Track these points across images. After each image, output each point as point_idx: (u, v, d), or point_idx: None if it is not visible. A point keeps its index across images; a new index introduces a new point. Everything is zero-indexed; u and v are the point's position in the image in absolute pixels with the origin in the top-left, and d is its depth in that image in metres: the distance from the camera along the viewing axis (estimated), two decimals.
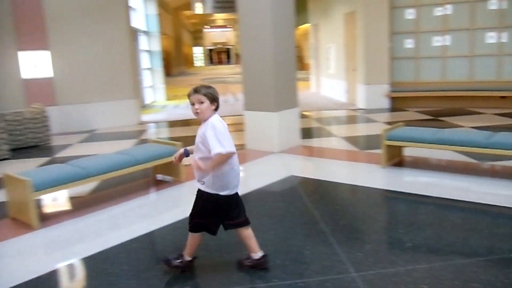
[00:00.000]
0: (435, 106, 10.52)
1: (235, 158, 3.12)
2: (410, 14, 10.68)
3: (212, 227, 3.12)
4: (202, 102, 2.96)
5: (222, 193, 3.04)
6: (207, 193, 3.04)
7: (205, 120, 3.00)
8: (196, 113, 2.98)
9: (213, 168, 2.96)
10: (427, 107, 10.50)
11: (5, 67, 9.12)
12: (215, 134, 2.92)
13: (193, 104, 2.97)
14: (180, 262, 3.19)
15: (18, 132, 7.94)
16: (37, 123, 8.21)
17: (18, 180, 4.21)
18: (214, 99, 3.01)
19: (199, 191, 3.10)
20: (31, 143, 8.15)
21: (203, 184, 3.05)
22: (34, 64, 9.43)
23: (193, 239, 3.17)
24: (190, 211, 3.16)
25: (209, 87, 3.03)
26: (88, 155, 5.66)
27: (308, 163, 6.47)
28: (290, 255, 3.35)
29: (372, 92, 10.90)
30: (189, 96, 3.00)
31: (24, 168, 6.03)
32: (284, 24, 6.77)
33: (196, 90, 2.97)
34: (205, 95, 2.96)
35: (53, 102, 9.53)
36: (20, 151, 7.86)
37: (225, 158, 2.96)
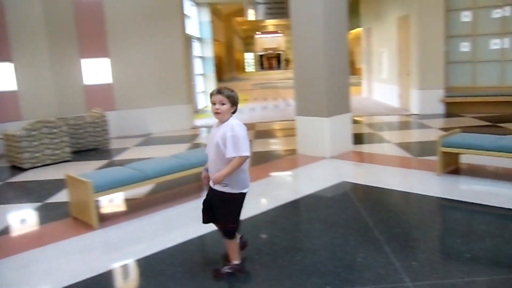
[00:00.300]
0: (493, 112, 10.11)
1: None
2: (466, 16, 10.32)
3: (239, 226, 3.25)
4: (223, 104, 3.04)
5: (244, 191, 3.15)
6: (232, 194, 3.11)
7: (223, 121, 3.08)
8: (216, 113, 3.06)
9: (230, 173, 3.01)
10: (484, 113, 10.11)
11: (69, 74, 9.64)
12: (234, 138, 2.99)
13: (214, 103, 3.06)
14: (230, 268, 3.23)
15: (79, 136, 8.33)
16: (97, 127, 8.57)
17: (80, 181, 4.41)
18: (234, 103, 3.10)
19: (221, 195, 3.11)
20: (91, 146, 8.52)
21: (226, 186, 3.08)
22: (95, 71, 9.87)
23: (233, 244, 3.25)
24: (219, 219, 3.20)
25: (232, 90, 3.13)
26: (144, 158, 5.84)
27: (360, 169, 6.40)
28: (343, 262, 3.33)
29: (426, 97, 10.62)
30: (212, 95, 3.09)
31: (85, 170, 6.31)
32: (337, 29, 6.74)
33: (219, 91, 3.07)
34: (227, 97, 3.05)
35: (112, 107, 9.93)
36: (80, 153, 8.22)
37: (242, 162, 3.02)
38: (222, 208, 3.15)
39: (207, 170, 3.26)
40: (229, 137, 2.98)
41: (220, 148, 3.04)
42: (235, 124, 3.04)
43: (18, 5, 8.89)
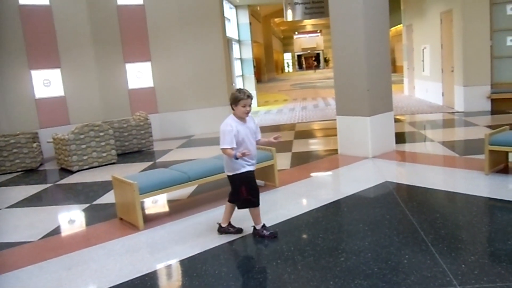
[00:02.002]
0: None
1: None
2: None
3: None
4: (250, 105, 3.79)
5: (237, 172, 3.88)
6: (229, 175, 3.98)
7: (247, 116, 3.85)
8: (247, 113, 3.78)
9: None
10: None
11: (113, 79, 9.94)
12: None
13: (245, 106, 3.73)
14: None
15: (124, 138, 8.56)
16: (141, 130, 8.78)
17: (126, 183, 4.53)
18: None
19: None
20: (135, 149, 8.75)
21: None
22: (137, 75, 10.12)
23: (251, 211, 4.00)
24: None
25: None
26: (187, 160, 5.94)
27: (403, 169, 6.28)
28: (389, 263, 3.28)
29: (471, 94, 10.30)
30: (242, 99, 3.71)
31: (130, 172, 6.48)
32: (378, 26, 6.63)
33: (250, 96, 3.76)
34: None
35: (155, 110, 10.16)
36: (125, 156, 8.45)
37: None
38: (237, 188, 3.91)
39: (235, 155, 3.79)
40: (256, 124, 4.00)
41: (258, 133, 3.99)
42: (251, 115, 3.91)
43: (65, 12, 9.24)
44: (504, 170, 5.42)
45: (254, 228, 4.01)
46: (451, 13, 10.88)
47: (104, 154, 7.68)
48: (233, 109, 3.81)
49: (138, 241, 4.23)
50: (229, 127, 3.73)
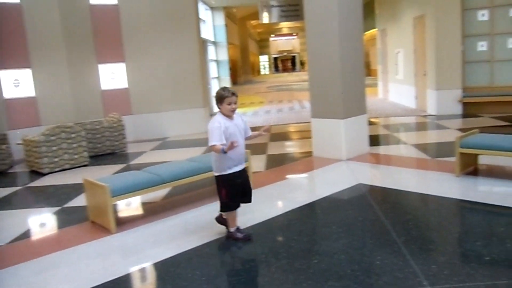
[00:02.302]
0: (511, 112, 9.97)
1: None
2: (483, 15, 10.18)
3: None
4: (236, 103, 3.78)
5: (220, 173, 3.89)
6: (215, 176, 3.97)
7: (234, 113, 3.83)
8: (233, 110, 3.77)
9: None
10: (503, 113, 9.95)
11: (86, 80, 9.78)
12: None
13: (230, 104, 3.72)
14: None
15: (96, 140, 8.42)
16: (114, 132, 8.66)
17: (98, 185, 4.46)
18: None
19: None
20: (108, 151, 8.62)
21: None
22: (111, 76, 9.99)
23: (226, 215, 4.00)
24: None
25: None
26: (161, 162, 5.88)
27: (377, 171, 6.35)
28: (361, 265, 3.31)
29: (443, 98, 10.50)
30: (227, 97, 3.71)
31: (102, 174, 6.38)
32: (352, 31, 6.70)
33: (235, 93, 3.76)
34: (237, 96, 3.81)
35: (128, 112, 10.03)
36: (98, 158, 8.32)
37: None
38: (219, 188, 3.91)
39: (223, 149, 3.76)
40: (245, 121, 3.96)
41: (247, 130, 3.98)
42: (238, 112, 3.90)
43: (36, 12, 9.05)
44: (474, 172, 5.53)
45: (228, 230, 3.99)
46: (424, 18, 11.08)
47: (76, 156, 7.54)
48: (219, 108, 3.81)
49: (111, 244, 4.17)
50: (217, 123, 3.74)
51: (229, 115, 3.80)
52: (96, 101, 9.86)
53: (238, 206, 3.95)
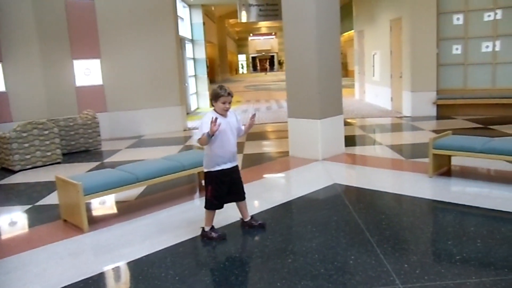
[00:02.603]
0: (484, 114, 10.18)
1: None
2: (458, 19, 10.37)
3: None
4: (230, 103, 3.82)
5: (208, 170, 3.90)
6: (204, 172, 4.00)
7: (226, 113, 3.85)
8: (226, 110, 3.80)
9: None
10: (475, 115, 10.17)
11: (60, 75, 9.60)
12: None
13: (224, 103, 3.76)
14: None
15: (70, 137, 8.27)
16: (88, 129, 8.52)
17: (70, 183, 4.38)
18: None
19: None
20: (82, 148, 8.48)
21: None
22: (86, 72, 9.82)
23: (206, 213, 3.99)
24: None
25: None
26: (136, 160, 5.81)
27: (352, 171, 6.40)
28: (335, 264, 3.32)
29: (418, 100, 10.66)
30: (222, 95, 3.74)
31: (75, 172, 6.28)
32: (329, 32, 6.74)
33: (231, 94, 3.79)
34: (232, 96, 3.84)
35: (104, 109, 9.88)
36: (71, 155, 8.18)
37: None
38: (206, 185, 3.93)
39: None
40: (239, 120, 4.00)
41: (236, 131, 3.94)
42: (232, 110, 3.96)
43: (9, 6, 8.84)
44: (447, 173, 5.63)
45: (203, 229, 3.97)
46: (400, 21, 11.23)
47: (49, 153, 7.39)
48: (212, 105, 3.82)
49: (83, 243, 4.10)
50: (207, 118, 3.71)
51: (222, 114, 3.81)
52: (70, 97, 9.68)
53: (221, 207, 3.95)
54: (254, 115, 4.05)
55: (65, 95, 9.63)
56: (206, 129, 3.65)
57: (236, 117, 3.98)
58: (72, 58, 9.66)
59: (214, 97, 3.78)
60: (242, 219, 4.17)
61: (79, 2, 9.66)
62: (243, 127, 4.06)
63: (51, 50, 9.38)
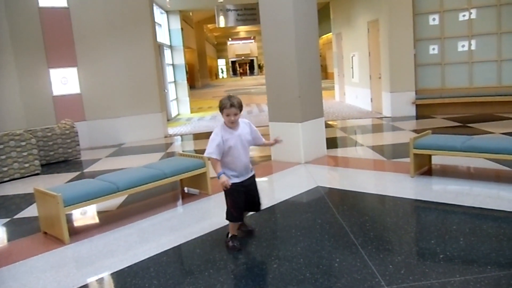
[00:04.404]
0: (462, 113, 10.33)
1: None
2: (434, 20, 10.53)
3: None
4: (236, 114, 3.63)
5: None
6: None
7: (236, 125, 3.71)
8: (232, 122, 3.64)
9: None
10: (454, 114, 10.32)
11: (36, 85, 9.41)
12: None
13: (228, 115, 3.60)
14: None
15: (48, 148, 8.13)
16: (67, 139, 8.39)
17: (49, 195, 4.28)
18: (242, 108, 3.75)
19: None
20: (61, 158, 8.33)
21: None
22: (63, 81, 9.68)
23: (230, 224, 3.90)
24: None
25: (236, 97, 3.70)
26: (117, 169, 5.73)
27: (334, 174, 6.42)
28: (320, 267, 3.31)
29: (397, 100, 10.78)
30: (225, 108, 3.59)
31: (54, 183, 6.17)
32: (307, 35, 6.77)
33: (234, 105, 3.60)
34: (239, 107, 3.66)
35: (82, 118, 9.74)
36: (50, 166, 8.04)
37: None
38: (225, 196, 3.80)
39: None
40: (254, 130, 3.86)
41: (249, 144, 3.79)
42: (247, 121, 3.87)
43: None
44: (428, 172, 5.68)
45: (227, 235, 3.93)
46: (378, 23, 11.35)
47: (27, 165, 7.25)
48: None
49: (64, 256, 4.01)
50: (214, 135, 3.62)
51: (231, 126, 3.68)
52: (47, 107, 9.52)
53: (241, 220, 3.88)
54: (280, 141, 3.99)
55: (42, 105, 9.47)
56: (211, 149, 3.57)
57: (251, 128, 3.83)
58: (48, 67, 9.50)
59: (220, 109, 3.64)
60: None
61: (54, 10, 9.52)
62: (262, 138, 3.95)
63: (27, 60, 9.21)
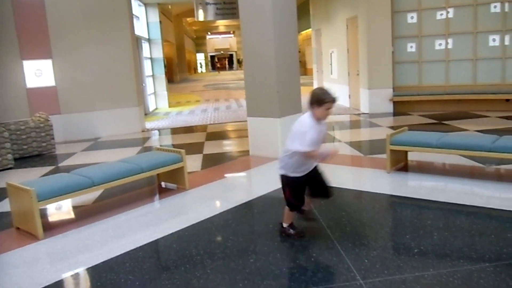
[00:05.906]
0: (439, 110, 10.50)
1: None
2: (412, 18, 10.66)
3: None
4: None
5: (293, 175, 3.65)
6: (285, 176, 3.72)
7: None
8: (326, 117, 3.55)
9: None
10: (430, 111, 10.48)
11: (9, 77, 9.18)
12: None
13: (328, 109, 3.49)
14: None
15: (22, 141, 7.96)
16: (41, 132, 8.22)
17: (22, 189, 4.20)
18: None
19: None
20: (35, 152, 8.17)
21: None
22: (37, 73, 9.47)
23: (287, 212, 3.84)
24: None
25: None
26: (92, 164, 5.64)
27: None
28: (297, 262, 3.33)
29: (375, 97, 10.88)
30: (330, 102, 3.46)
31: (28, 178, 6.05)
32: (287, 30, 6.76)
33: (335, 100, 3.50)
34: None
35: (57, 111, 9.56)
36: (24, 160, 7.87)
37: None
38: (283, 187, 3.72)
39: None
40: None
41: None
42: None
43: None
44: (404, 168, 5.75)
45: (281, 225, 3.88)
46: (356, 20, 11.42)
47: None
48: (312, 109, 3.51)
49: (37, 251, 3.94)
50: (308, 128, 3.45)
51: (319, 120, 3.53)
52: (21, 100, 9.30)
53: (300, 208, 3.82)
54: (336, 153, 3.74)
55: (15, 98, 9.24)
56: (309, 141, 3.40)
57: (325, 126, 3.73)
58: (22, 58, 9.28)
59: (318, 102, 3.45)
60: (281, 223, 3.93)
61: (27, 1, 9.28)
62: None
63: None
